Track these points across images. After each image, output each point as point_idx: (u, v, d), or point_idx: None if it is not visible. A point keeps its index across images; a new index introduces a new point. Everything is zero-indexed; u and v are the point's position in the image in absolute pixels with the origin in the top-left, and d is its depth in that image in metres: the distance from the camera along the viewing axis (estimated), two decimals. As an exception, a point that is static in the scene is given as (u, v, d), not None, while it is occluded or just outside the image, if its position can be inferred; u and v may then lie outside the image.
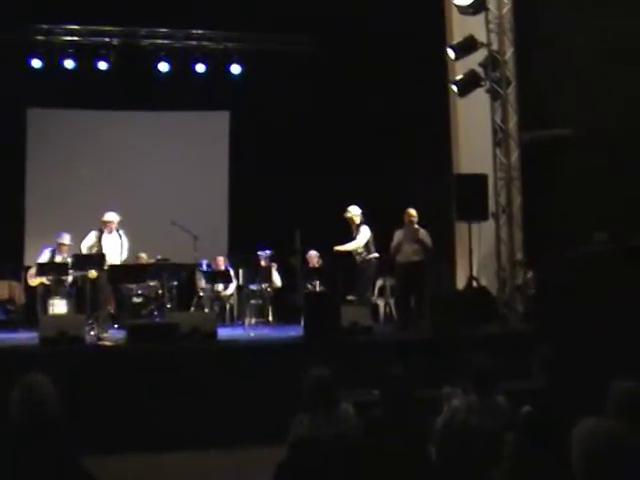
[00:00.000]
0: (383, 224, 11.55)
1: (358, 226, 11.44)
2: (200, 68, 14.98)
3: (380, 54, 13.71)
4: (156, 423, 8.10)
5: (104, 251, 11.33)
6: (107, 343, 9.50)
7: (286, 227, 12.41)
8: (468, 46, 11.42)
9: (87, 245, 11.47)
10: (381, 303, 13.07)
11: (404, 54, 13.29)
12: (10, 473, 3.37)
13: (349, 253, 11.46)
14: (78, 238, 11.81)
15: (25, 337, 10.74)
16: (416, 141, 13.55)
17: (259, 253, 12.65)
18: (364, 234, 11.38)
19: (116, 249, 11.54)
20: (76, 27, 14.33)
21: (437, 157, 13.05)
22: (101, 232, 11.48)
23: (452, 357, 8.01)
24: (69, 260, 11.56)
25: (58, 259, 11.91)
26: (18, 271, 13.16)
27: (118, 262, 11.47)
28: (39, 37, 14.15)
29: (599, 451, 2.83)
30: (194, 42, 14.94)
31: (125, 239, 11.61)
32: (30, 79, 14.21)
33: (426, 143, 13.37)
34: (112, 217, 11.58)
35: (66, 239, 12.03)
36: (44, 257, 11.97)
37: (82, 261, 11.23)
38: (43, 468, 3.28)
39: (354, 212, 11.50)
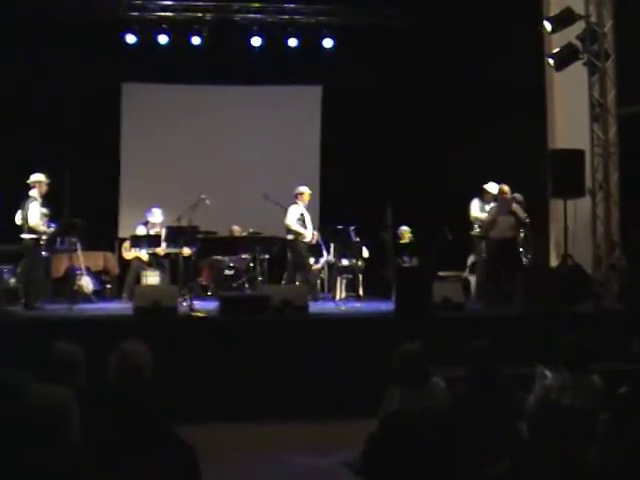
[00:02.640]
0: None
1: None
2: (292, 42, 14.99)
3: (474, 27, 13.47)
4: (246, 394, 8.21)
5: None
6: (199, 314, 9.65)
7: (377, 201, 12.43)
8: (565, 18, 11.14)
9: (297, 218, 11.85)
10: (472, 279, 12.96)
11: (499, 27, 13.04)
12: (105, 437, 3.47)
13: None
14: (171, 211, 12.06)
15: (119, 307, 11.05)
16: (511, 115, 13.32)
17: (350, 228, 12.66)
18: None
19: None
20: (170, 2, 14.55)
21: (532, 132, 12.83)
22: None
23: (545, 335, 7.93)
24: (163, 232, 11.85)
25: (151, 233, 12.23)
26: (112, 243, 13.50)
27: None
28: (133, 13, 14.39)
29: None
30: (286, 16, 14.92)
31: None
32: (125, 54, 14.50)
33: (522, 118, 13.14)
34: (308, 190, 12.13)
35: (156, 217, 12.33)
36: (139, 231, 12.34)
37: (175, 234, 11.47)
38: (138, 433, 3.36)
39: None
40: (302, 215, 11.86)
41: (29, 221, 10.32)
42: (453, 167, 13.45)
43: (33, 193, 10.48)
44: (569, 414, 4.96)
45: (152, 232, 12.27)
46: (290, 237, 11.87)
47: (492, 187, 11.71)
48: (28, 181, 10.54)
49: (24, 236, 10.41)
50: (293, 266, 12.02)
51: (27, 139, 13.30)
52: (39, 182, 10.55)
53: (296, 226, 11.78)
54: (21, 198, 10.55)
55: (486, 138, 13.59)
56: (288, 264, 12.19)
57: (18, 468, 3.72)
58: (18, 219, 10.49)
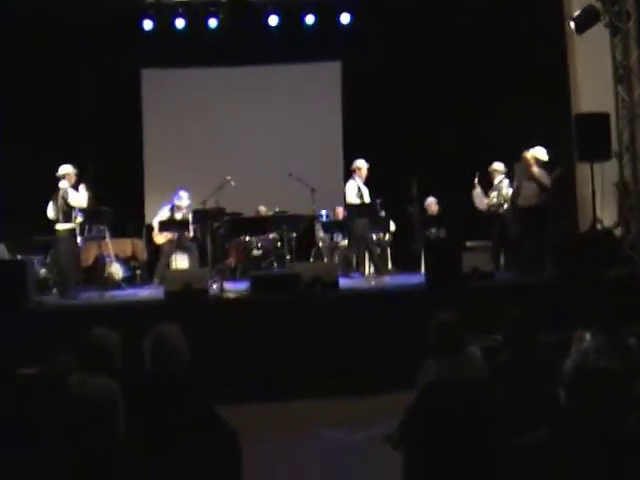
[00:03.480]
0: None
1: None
2: (310, 19, 14.85)
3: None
4: (281, 372, 8.27)
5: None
6: (230, 295, 9.71)
7: (402, 174, 12.40)
8: (585, -20, 11.04)
9: (355, 193, 11.81)
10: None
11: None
12: (143, 419, 3.49)
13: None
14: (196, 194, 12.11)
15: (150, 292, 11.12)
16: (534, 82, 13.18)
17: (377, 202, 12.62)
18: None
19: None
20: (185, -14, 14.48)
21: (556, 97, 12.70)
22: None
23: (577, 301, 7.89)
24: (189, 216, 11.89)
25: (178, 216, 12.24)
26: (140, 229, 13.55)
27: None
28: (149, -1, 14.37)
29: None
30: (302, -7, 14.83)
31: None
32: (143, 41, 14.48)
33: (544, 83, 12.99)
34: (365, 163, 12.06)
35: (183, 200, 12.34)
36: (163, 214, 12.34)
37: (202, 217, 11.53)
38: (176, 415, 3.38)
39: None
40: (360, 190, 11.79)
41: (77, 205, 10.51)
42: (477, 136, 13.35)
43: (63, 185, 10.56)
44: (606, 377, 4.93)
45: (178, 215, 12.29)
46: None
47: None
48: (57, 174, 10.62)
49: (59, 227, 10.51)
50: (356, 242, 12.00)
51: (49, 130, 13.38)
52: (68, 174, 10.65)
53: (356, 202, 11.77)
54: (47, 189, 10.65)
55: (510, 106, 13.46)
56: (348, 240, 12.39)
57: (67, 457, 3.77)
58: (50, 211, 10.57)
